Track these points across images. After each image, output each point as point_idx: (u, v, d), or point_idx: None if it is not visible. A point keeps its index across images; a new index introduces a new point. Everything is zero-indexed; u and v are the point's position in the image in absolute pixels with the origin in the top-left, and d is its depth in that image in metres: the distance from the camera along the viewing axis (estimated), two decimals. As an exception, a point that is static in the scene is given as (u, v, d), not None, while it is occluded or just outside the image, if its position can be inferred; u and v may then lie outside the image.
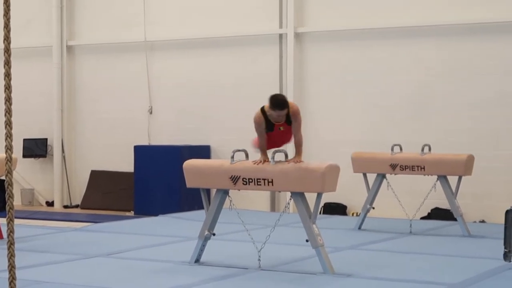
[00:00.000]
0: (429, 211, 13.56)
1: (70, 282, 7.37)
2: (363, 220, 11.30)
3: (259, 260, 7.92)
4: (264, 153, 8.03)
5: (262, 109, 7.98)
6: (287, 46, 14.86)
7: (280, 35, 15.03)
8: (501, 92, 13.30)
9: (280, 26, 15.01)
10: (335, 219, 12.89)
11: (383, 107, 14.17)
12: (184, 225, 12.07)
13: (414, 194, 12.89)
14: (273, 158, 7.74)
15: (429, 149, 10.98)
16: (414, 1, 13.94)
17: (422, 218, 13.29)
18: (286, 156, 7.93)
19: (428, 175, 10.99)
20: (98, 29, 16.85)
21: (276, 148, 7.97)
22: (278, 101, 7.88)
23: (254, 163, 7.89)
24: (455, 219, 11.02)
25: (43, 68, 17.25)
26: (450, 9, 13.64)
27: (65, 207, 16.94)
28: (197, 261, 8.26)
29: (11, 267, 3.89)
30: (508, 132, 13.25)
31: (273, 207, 15.03)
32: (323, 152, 14.44)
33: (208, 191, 9.84)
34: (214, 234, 8.30)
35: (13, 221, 3.87)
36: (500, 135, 13.31)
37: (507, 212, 7.81)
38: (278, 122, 8.00)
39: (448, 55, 13.69)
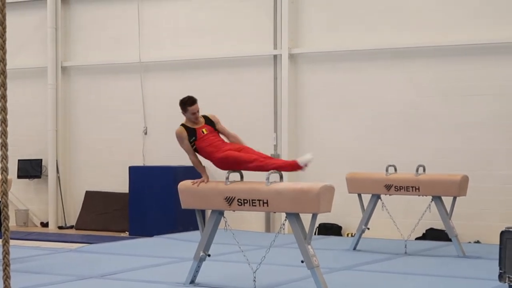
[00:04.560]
0: (424, 232, 13.55)
1: (64, 304, 7.34)
2: (358, 241, 11.29)
3: (254, 281, 7.91)
4: (202, 170, 8.32)
5: (182, 124, 8.41)
6: (281, 67, 14.90)
7: (275, 56, 15.07)
8: (494, 113, 13.34)
9: (275, 47, 15.05)
10: (330, 240, 12.88)
11: (377, 127, 14.19)
12: (179, 246, 12.05)
13: (409, 214, 12.89)
14: (267, 179, 7.74)
15: (424, 170, 11.00)
16: (407, 23, 14.00)
17: (417, 238, 13.29)
18: (281, 177, 7.94)
19: (422, 196, 11.00)
20: (93, 50, 16.89)
21: (272, 170, 7.94)
22: (186, 98, 8.43)
23: (193, 184, 8.18)
24: (450, 240, 11.03)
25: (38, 89, 17.27)
26: (443, 31, 13.70)
27: (60, 227, 16.91)
28: (192, 282, 8.25)
29: (7, 289, 3.88)
30: (502, 153, 13.28)
31: (268, 228, 15.01)
32: (318, 173, 14.43)
33: (203, 212, 9.83)
34: (209, 255, 8.29)
35: (8, 243, 3.87)
36: (494, 155, 13.33)
37: (502, 233, 7.81)
38: (198, 125, 8.31)
39: (441, 76, 13.74)
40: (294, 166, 8.02)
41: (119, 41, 16.58)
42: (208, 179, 8.24)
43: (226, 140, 8.48)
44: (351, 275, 9.10)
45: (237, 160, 8.06)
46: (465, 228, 13.08)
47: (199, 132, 8.29)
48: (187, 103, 8.36)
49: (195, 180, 8.23)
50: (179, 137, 8.35)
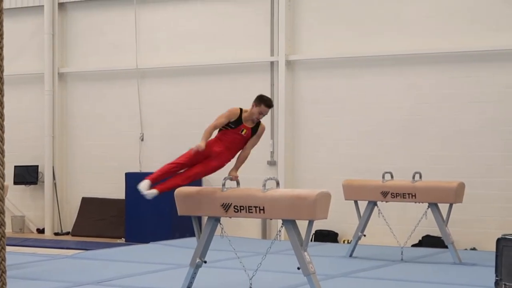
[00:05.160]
0: (420, 239, 13.56)
1: (60, 310, 7.33)
2: (354, 248, 11.29)
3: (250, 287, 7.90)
4: (205, 139, 8.09)
5: (240, 109, 8.24)
6: (278, 73, 14.91)
7: (272, 63, 15.09)
8: (492, 120, 13.36)
9: (272, 54, 15.07)
10: (327, 247, 12.87)
11: (374, 134, 14.20)
12: (175, 252, 12.04)
13: (405, 221, 12.90)
14: (264, 186, 7.74)
15: (420, 177, 11.00)
16: (405, 30, 14.02)
17: (413, 245, 13.29)
18: (278, 184, 7.94)
19: (419, 203, 11.01)
20: (90, 57, 16.89)
21: (268, 177, 7.95)
22: (269, 99, 8.36)
23: (190, 149, 8.08)
24: (446, 247, 11.03)
25: (34, 95, 17.26)
26: (441, 38, 13.72)
27: (56, 234, 16.89)
28: (188, 289, 8.24)
29: (3, 295, 3.88)
30: (499, 160, 13.29)
31: (264, 235, 15.01)
32: (314, 179, 14.47)
33: (199, 219, 9.84)
34: (205, 262, 8.28)
35: (4, 250, 3.86)
36: (491, 162, 13.34)
37: (498, 240, 7.82)
38: (247, 123, 8.19)
39: (439, 82, 13.76)
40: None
41: (116, 48, 16.59)
42: (203, 147, 8.01)
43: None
44: (347, 282, 9.10)
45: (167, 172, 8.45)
46: (461, 235, 13.09)
47: (241, 127, 8.22)
48: (266, 102, 8.24)
49: (192, 147, 8.11)
50: (229, 110, 8.23)
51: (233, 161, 8.35)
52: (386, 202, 11.20)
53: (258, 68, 15.23)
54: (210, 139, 8.19)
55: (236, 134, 8.22)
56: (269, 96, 14.88)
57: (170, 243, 13.15)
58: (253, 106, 8.25)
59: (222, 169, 8.31)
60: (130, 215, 15.40)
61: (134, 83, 16.31)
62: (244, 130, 8.22)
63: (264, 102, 8.23)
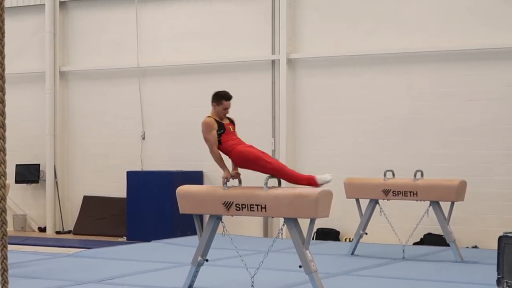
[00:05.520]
0: (422, 237, 13.55)
1: (62, 309, 7.33)
2: (356, 246, 11.29)
3: (252, 286, 7.90)
4: (223, 165, 8.10)
5: (209, 116, 8.28)
6: (279, 72, 14.91)
7: (273, 61, 15.08)
8: (492, 118, 13.35)
9: (273, 52, 15.06)
10: (328, 245, 12.87)
11: (375, 132, 14.20)
12: (177, 251, 12.04)
13: (406, 219, 12.89)
14: (266, 184, 7.73)
15: (422, 175, 11.00)
16: (405, 28, 14.02)
17: (415, 243, 13.29)
18: (279, 182, 7.94)
19: (420, 201, 11.00)
20: (91, 55, 16.89)
21: (269, 175, 7.95)
22: (224, 92, 8.46)
23: (224, 182, 7.99)
24: (447, 245, 11.03)
25: (36, 94, 17.26)
26: (441, 36, 13.72)
27: (58, 232, 16.89)
28: (190, 287, 8.24)
29: (5, 294, 3.88)
30: (500, 158, 13.29)
31: (266, 233, 15.01)
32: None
33: (201, 217, 9.84)
34: (207, 260, 8.28)
35: (6, 248, 3.86)
36: (492, 160, 13.34)
37: (500, 238, 7.81)
38: (224, 121, 8.26)
39: (439, 81, 13.75)
40: (310, 181, 7.84)
41: (117, 46, 16.59)
42: (230, 173, 8.08)
43: None
44: (349, 280, 9.10)
45: (257, 158, 7.98)
46: (463, 233, 13.09)
47: (227, 127, 8.23)
48: (225, 97, 8.34)
49: (223, 180, 8.08)
50: (208, 126, 8.16)
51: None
52: (388, 200, 11.21)
53: (259, 67, 15.23)
54: (222, 160, 8.15)
55: (230, 133, 8.24)
56: (270, 94, 15.00)
57: (171, 241, 13.15)
58: (214, 106, 8.34)
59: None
60: (131, 213, 15.40)
61: (136, 82, 16.31)
62: (230, 127, 8.27)
63: (221, 97, 8.36)
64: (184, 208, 8.30)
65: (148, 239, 13.70)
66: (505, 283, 7.76)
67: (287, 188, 8.08)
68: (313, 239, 13.32)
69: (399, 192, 10.92)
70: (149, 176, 15.54)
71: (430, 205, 10.88)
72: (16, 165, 16.98)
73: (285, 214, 7.68)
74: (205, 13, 15.80)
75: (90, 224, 16.50)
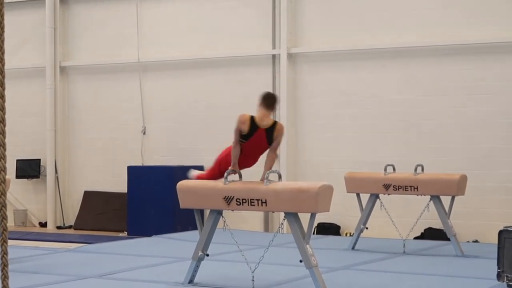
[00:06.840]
0: (423, 231, 13.56)
1: (63, 304, 7.33)
2: (356, 240, 11.29)
3: (253, 280, 7.90)
4: (236, 164, 8.05)
5: (252, 116, 8.04)
6: (280, 66, 14.90)
7: (273, 56, 15.07)
8: (493, 111, 13.35)
9: (273, 47, 15.05)
10: (329, 239, 12.87)
11: (376, 127, 14.20)
12: (177, 245, 12.05)
13: (407, 214, 12.90)
14: (267, 178, 7.73)
15: (422, 169, 11.00)
16: (406, 22, 14.00)
17: (416, 238, 13.29)
18: (280, 177, 7.93)
19: (421, 195, 11.00)
20: (92, 50, 16.89)
21: (269, 170, 7.92)
22: (275, 97, 8.28)
23: (228, 173, 8.01)
24: (448, 239, 11.03)
25: (36, 89, 17.27)
26: (443, 30, 13.71)
27: (58, 228, 16.90)
28: (190, 282, 8.24)
29: (5, 289, 3.88)
30: (501, 152, 13.29)
31: (266, 228, 15.02)
32: (316, 172, 14.46)
33: (201, 212, 9.84)
34: (207, 255, 8.28)
35: (7, 243, 3.86)
36: (493, 154, 13.34)
37: (501, 232, 7.82)
38: (263, 125, 8.01)
39: (441, 75, 13.74)
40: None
41: (117, 41, 16.58)
42: (238, 170, 8.02)
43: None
44: (349, 275, 9.10)
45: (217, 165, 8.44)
46: (463, 227, 13.09)
47: (259, 132, 8.00)
48: (273, 101, 8.13)
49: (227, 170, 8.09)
50: (241, 121, 7.98)
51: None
52: (388, 194, 11.20)
53: (260, 61, 15.22)
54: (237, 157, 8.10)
55: (255, 139, 8.05)
56: (271, 89, 14.97)
57: (172, 236, 13.16)
58: (260, 107, 8.11)
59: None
60: (132, 208, 15.41)
61: (136, 77, 16.31)
62: (264, 139, 8.04)
63: (270, 101, 8.12)
64: (184, 203, 8.30)
65: (149, 234, 13.71)
66: (505, 277, 7.77)
67: (288, 183, 8.09)
68: (313, 233, 13.33)
69: (399, 187, 10.92)
70: (150, 171, 15.54)
71: (430, 199, 10.87)
72: (17, 160, 16.99)
73: (286, 209, 7.68)
74: (205, 8, 15.78)
75: (91, 219, 16.52)
